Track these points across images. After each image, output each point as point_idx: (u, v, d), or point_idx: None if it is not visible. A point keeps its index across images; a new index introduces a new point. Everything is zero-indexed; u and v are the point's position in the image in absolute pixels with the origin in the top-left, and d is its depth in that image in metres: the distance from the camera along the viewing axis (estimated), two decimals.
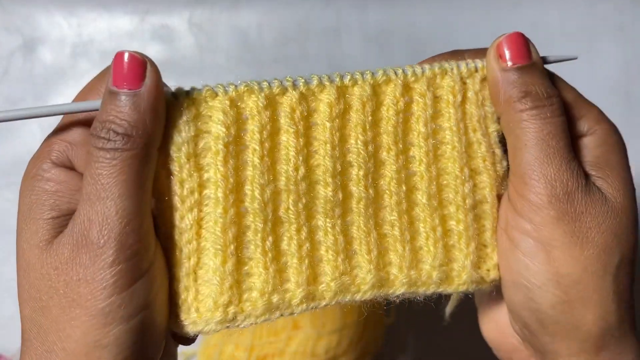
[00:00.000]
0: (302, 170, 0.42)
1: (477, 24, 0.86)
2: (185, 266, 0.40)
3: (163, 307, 0.39)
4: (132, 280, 0.36)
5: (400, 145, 0.44)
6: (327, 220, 0.42)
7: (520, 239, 0.41)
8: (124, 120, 0.35)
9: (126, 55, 0.37)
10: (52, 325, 0.36)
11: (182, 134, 0.39)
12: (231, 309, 0.40)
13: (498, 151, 0.45)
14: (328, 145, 0.43)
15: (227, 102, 0.40)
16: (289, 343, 0.69)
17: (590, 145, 0.42)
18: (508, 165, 0.44)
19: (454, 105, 0.45)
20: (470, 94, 0.45)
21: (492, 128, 0.45)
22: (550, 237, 0.40)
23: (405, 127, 0.45)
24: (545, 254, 0.40)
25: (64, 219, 0.37)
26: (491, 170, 0.45)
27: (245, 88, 0.41)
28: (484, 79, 0.45)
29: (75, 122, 0.39)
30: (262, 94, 0.41)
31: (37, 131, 0.83)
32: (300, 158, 0.42)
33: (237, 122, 0.41)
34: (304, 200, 0.42)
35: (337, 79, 0.43)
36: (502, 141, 0.45)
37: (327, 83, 0.43)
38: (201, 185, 0.40)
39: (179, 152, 0.39)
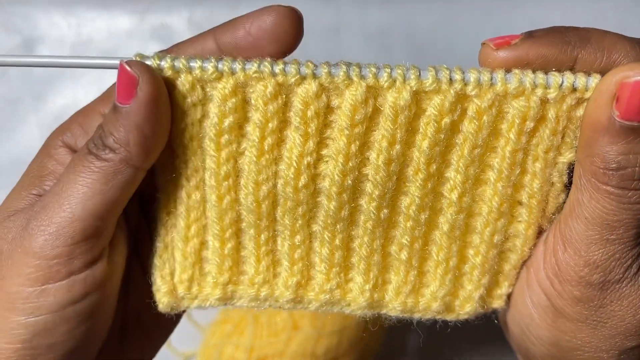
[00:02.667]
0: (304, 179, 0.36)
1: (477, 24, 0.86)
2: (191, 243, 0.40)
3: (97, 313, 0.38)
4: (48, 279, 0.36)
5: (434, 167, 0.36)
6: (326, 232, 0.38)
7: (535, 289, 0.38)
8: (111, 133, 0.35)
9: (121, 67, 0.35)
10: None
11: (187, 117, 0.36)
12: (229, 288, 0.41)
13: (559, 185, 0.37)
14: (341, 156, 0.35)
15: (229, 88, 0.35)
16: (289, 344, 0.68)
17: None
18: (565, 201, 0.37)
19: (519, 132, 0.34)
20: (550, 115, 0.34)
21: (565, 158, 0.36)
22: (563, 308, 0.36)
23: (447, 144, 0.35)
24: (553, 316, 0.37)
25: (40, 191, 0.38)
26: (536, 208, 0.37)
27: (255, 73, 0.34)
28: (580, 100, 0.34)
29: (100, 111, 0.39)
30: (273, 81, 0.34)
31: (36, 132, 0.83)
32: (305, 163, 0.36)
33: (241, 109, 0.36)
34: (303, 207, 0.37)
35: (370, 76, 0.33)
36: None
37: (355, 79, 0.33)
38: (204, 166, 0.38)
39: (182, 134, 0.37)
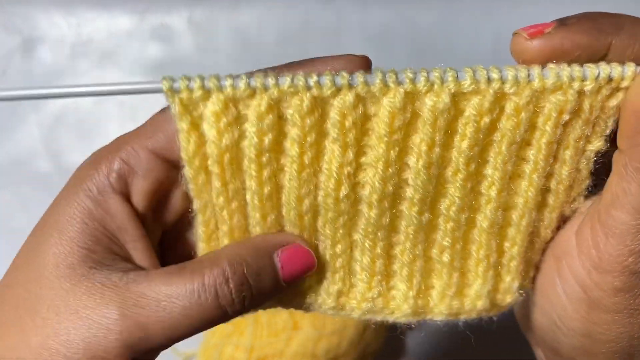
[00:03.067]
0: (344, 189, 0.35)
1: (477, 24, 0.86)
2: None
3: None
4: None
5: (473, 167, 0.36)
6: (367, 241, 0.38)
7: (569, 281, 0.37)
8: (256, 296, 0.36)
9: (305, 248, 0.37)
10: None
11: (223, 139, 0.34)
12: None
13: (585, 171, 0.37)
14: (381, 163, 0.35)
15: (265, 105, 0.33)
16: (289, 344, 0.68)
17: None
18: (589, 187, 0.38)
19: (555, 124, 0.35)
20: (585, 106, 0.34)
21: (594, 147, 0.36)
22: (601, 300, 0.36)
23: (484, 142, 0.35)
24: (588, 308, 0.36)
25: (99, 256, 0.35)
26: (562, 193, 0.37)
27: (290, 88, 0.33)
28: (613, 90, 0.34)
29: (148, 146, 0.36)
30: (309, 95, 0.33)
31: (35, 132, 0.83)
32: (345, 173, 0.35)
33: (277, 125, 0.34)
34: (344, 217, 0.37)
35: (407, 82, 0.33)
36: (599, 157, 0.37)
37: (392, 85, 0.33)
38: (244, 187, 0.37)
39: (220, 156, 0.35)
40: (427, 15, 0.86)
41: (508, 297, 0.40)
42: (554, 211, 0.38)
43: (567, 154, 0.36)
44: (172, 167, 0.37)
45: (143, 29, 0.86)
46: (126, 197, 0.36)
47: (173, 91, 0.33)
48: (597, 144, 0.36)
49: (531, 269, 0.41)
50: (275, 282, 0.36)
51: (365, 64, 0.35)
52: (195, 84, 0.33)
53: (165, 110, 0.36)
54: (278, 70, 0.35)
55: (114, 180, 0.36)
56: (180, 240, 0.41)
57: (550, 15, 0.35)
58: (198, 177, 0.36)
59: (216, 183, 0.36)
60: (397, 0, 0.87)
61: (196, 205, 0.38)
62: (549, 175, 0.37)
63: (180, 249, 0.41)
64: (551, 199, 0.38)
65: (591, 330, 0.37)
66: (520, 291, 0.40)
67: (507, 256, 0.39)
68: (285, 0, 0.87)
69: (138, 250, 0.36)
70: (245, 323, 0.71)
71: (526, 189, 0.37)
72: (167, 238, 0.41)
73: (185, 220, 0.40)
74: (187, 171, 0.36)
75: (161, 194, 0.38)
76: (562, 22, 0.33)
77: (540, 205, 0.38)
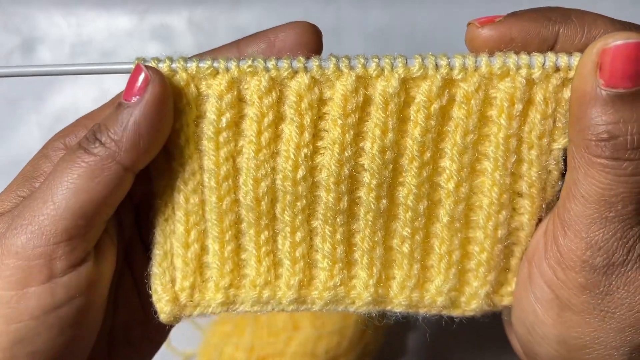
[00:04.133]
0: (302, 170, 0.37)
1: None
2: (192, 249, 0.40)
3: (82, 322, 0.37)
4: (29, 281, 0.34)
5: (428, 155, 0.36)
6: (327, 227, 0.38)
7: (538, 283, 0.37)
8: (106, 128, 0.35)
9: (137, 67, 0.35)
10: None
11: (182, 117, 0.36)
12: (231, 292, 0.40)
13: (556, 172, 0.37)
14: (337, 146, 0.36)
15: (225, 84, 0.36)
16: (289, 343, 0.68)
17: None
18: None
19: (509, 115, 0.35)
20: (538, 98, 0.35)
21: (559, 144, 0.36)
22: (569, 299, 0.35)
23: (439, 132, 0.36)
24: (558, 310, 0.36)
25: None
26: (537, 197, 0.37)
27: (249, 68, 0.35)
28: (565, 81, 0.35)
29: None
30: (267, 76, 0.35)
31: (36, 132, 0.83)
32: (302, 155, 0.36)
33: (236, 106, 0.36)
34: (302, 202, 0.38)
35: (359, 66, 0.35)
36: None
37: (345, 70, 0.35)
38: (201, 168, 0.38)
39: (178, 135, 0.37)
40: (427, 15, 0.86)
41: (474, 302, 0.40)
42: (533, 218, 0.38)
43: (533, 153, 0.36)
44: None
45: (143, 29, 0.86)
46: None
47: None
48: (562, 142, 0.36)
49: (510, 282, 0.40)
50: (117, 106, 0.35)
51: (312, 30, 0.37)
52: (164, 65, 0.35)
53: None
54: (236, 44, 0.37)
55: (70, 140, 0.38)
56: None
57: None
58: (158, 158, 0.37)
59: (174, 163, 0.38)
60: (397, 0, 0.87)
61: (155, 187, 0.39)
62: (518, 178, 0.37)
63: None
64: (527, 205, 0.37)
65: (565, 336, 0.36)
66: (490, 302, 0.40)
67: (476, 261, 0.39)
68: (285, 0, 0.87)
69: None
70: (245, 323, 0.71)
71: (490, 188, 0.37)
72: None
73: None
74: None
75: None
76: (513, 13, 0.35)
77: (517, 213, 0.38)
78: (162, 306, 0.40)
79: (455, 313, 0.41)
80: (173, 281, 0.40)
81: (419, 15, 0.86)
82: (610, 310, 0.34)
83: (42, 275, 0.34)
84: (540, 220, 0.38)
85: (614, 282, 0.34)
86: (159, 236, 0.40)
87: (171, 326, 0.44)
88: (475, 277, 0.40)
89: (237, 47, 0.38)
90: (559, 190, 0.37)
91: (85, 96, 0.83)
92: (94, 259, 0.37)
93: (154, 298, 0.41)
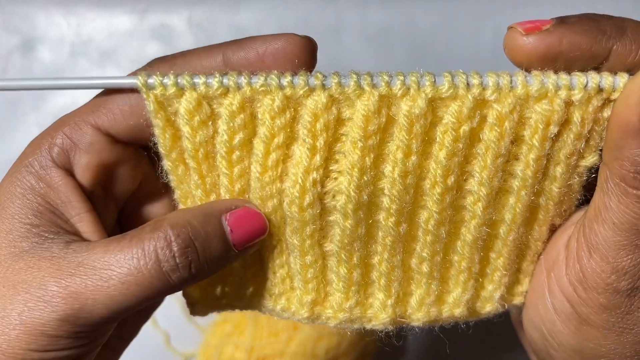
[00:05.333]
0: (309, 197, 0.34)
1: (477, 24, 0.86)
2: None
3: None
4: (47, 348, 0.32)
5: (452, 179, 0.33)
6: (343, 252, 0.36)
7: (557, 296, 0.36)
8: (204, 264, 0.34)
9: (257, 212, 0.35)
10: None
11: (197, 135, 0.34)
12: (255, 299, 0.41)
13: (577, 186, 0.35)
14: (356, 170, 0.33)
15: (237, 104, 0.33)
16: (289, 344, 0.68)
17: None
18: (581, 199, 0.36)
19: (542, 138, 0.32)
20: (575, 119, 0.32)
21: (587, 162, 0.34)
22: (588, 316, 0.35)
23: (466, 154, 0.33)
24: (577, 323, 0.35)
25: (42, 229, 0.34)
26: (552, 209, 0.36)
27: (262, 87, 0.32)
28: (606, 102, 0.32)
29: (91, 122, 0.36)
30: (281, 94, 0.32)
31: (35, 132, 0.82)
32: (311, 180, 0.33)
33: (250, 124, 0.34)
34: (311, 227, 0.35)
35: (383, 85, 0.31)
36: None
37: (367, 88, 0.31)
38: (218, 183, 0.37)
39: (195, 152, 0.35)
40: (427, 15, 0.86)
41: (488, 305, 0.39)
42: (544, 225, 0.37)
43: (558, 170, 0.34)
44: (115, 142, 0.36)
45: (143, 29, 0.85)
46: (69, 171, 0.36)
47: (148, 87, 0.33)
48: (591, 160, 0.34)
49: (521, 282, 0.40)
50: (224, 245, 0.34)
51: (306, 44, 0.33)
52: (170, 81, 0.33)
53: (109, 91, 0.36)
54: (222, 50, 0.34)
55: (56, 154, 0.35)
56: (139, 219, 0.40)
57: (550, 15, 0.35)
58: (177, 169, 0.36)
59: (194, 176, 0.36)
60: (397, 0, 0.86)
61: (177, 195, 0.38)
62: (538, 192, 0.35)
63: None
64: (541, 215, 0.36)
65: (582, 346, 0.36)
66: (503, 303, 0.39)
67: (492, 266, 0.38)
68: (285, 0, 0.87)
69: (84, 223, 0.35)
70: (245, 323, 0.71)
71: (514, 205, 0.35)
72: (126, 218, 0.40)
73: (142, 197, 0.40)
74: (166, 164, 0.36)
75: (107, 169, 0.37)
76: (562, 20, 0.31)
77: (530, 219, 0.37)
78: (194, 304, 0.41)
79: (470, 319, 0.40)
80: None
81: (419, 15, 0.86)
82: (628, 327, 0.34)
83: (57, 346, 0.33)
84: (553, 225, 0.38)
85: (635, 303, 0.34)
86: None
87: (144, 322, 0.44)
88: (490, 281, 0.39)
89: (222, 53, 0.35)
90: (576, 201, 0.37)
91: (85, 96, 0.83)
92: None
93: (187, 301, 0.41)
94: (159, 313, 0.48)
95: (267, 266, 0.39)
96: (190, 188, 0.37)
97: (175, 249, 0.32)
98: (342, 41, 0.85)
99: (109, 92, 0.36)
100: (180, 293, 0.40)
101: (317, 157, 0.33)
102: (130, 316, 0.42)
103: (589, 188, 0.37)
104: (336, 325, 0.39)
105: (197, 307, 0.41)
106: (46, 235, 0.34)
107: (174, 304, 0.74)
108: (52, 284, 0.32)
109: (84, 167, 0.36)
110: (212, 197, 0.37)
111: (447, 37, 0.85)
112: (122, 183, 0.38)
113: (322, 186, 0.34)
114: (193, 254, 0.33)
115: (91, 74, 0.84)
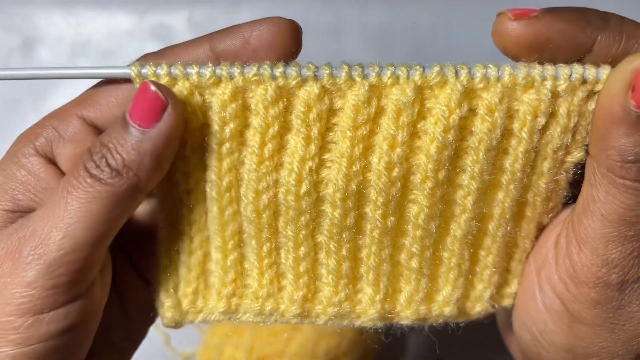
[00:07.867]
0: (306, 185, 0.34)
1: (477, 24, 0.86)
2: (195, 255, 0.39)
3: (84, 339, 0.36)
4: (43, 308, 0.33)
5: (443, 173, 0.34)
6: (332, 243, 0.36)
7: (548, 294, 0.36)
8: (119, 154, 0.33)
9: (151, 88, 0.32)
10: None
11: (187, 126, 0.35)
12: (234, 301, 0.40)
13: (564, 183, 0.36)
14: (345, 159, 0.34)
15: (228, 93, 0.33)
16: (289, 344, 0.68)
17: None
18: (568, 195, 0.36)
19: (531, 129, 0.33)
20: (561, 111, 0.33)
21: (574, 157, 0.35)
22: (579, 312, 0.35)
23: (457, 147, 0.34)
24: (568, 322, 0.35)
25: (18, 215, 0.35)
26: (540, 205, 0.36)
27: (254, 77, 0.33)
28: (590, 94, 0.33)
29: (77, 113, 0.36)
30: (274, 85, 0.33)
31: None
32: (307, 168, 0.34)
33: (241, 115, 0.34)
34: (306, 217, 0.36)
35: (373, 75, 0.32)
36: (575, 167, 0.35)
37: (358, 78, 0.32)
38: (204, 178, 0.37)
39: (183, 146, 0.35)
40: (427, 15, 0.86)
41: (478, 305, 0.39)
42: (532, 222, 0.37)
43: (545, 165, 0.34)
44: (99, 132, 0.36)
45: (143, 29, 0.85)
46: (52, 160, 0.36)
47: (141, 77, 0.34)
48: (577, 155, 0.34)
49: (510, 283, 0.40)
50: (127, 126, 0.33)
51: (289, 25, 0.35)
52: (162, 71, 0.33)
53: (99, 83, 0.37)
54: (209, 39, 0.35)
55: (40, 144, 0.36)
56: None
57: None
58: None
59: (178, 173, 0.37)
60: (397, 0, 0.86)
61: (158, 194, 0.38)
62: (526, 187, 0.35)
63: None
64: (528, 211, 0.37)
65: (574, 345, 0.36)
66: (493, 304, 0.39)
67: (482, 264, 0.38)
68: (284, 0, 0.87)
69: None
70: (245, 323, 0.71)
71: (503, 200, 0.35)
72: None
73: None
74: None
75: None
76: (550, 9, 0.32)
77: (517, 216, 0.37)
78: (165, 311, 0.40)
79: (461, 319, 0.40)
80: (176, 287, 0.40)
81: (419, 15, 0.86)
82: (620, 323, 0.34)
83: (56, 303, 0.33)
84: (540, 223, 0.38)
85: (626, 297, 0.34)
86: (162, 243, 0.40)
87: (151, 323, 0.44)
88: (480, 280, 0.39)
89: (209, 43, 0.35)
90: (563, 198, 0.37)
91: None
92: (99, 280, 0.36)
93: (157, 304, 0.40)
94: None
95: (254, 268, 0.39)
96: (173, 187, 0.37)
97: (92, 151, 0.33)
98: (342, 41, 0.85)
99: (99, 85, 0.37)
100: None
101: (312, 146, 0.34)
102: (135, 314, 0.41)
103: (575, 186, 0.37)
104: (326, 321, 0.39)
105: (168, 319, 0.40)
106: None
107: None
108: (26, 251, 0.33)
109: (68, 156, 0.36)
110: (193, 195, 0.37)
111: (448, 36, 0.85)
112: None
113: (317, 175, 0.35)
114: (106, 151, 0.33)
115: None
